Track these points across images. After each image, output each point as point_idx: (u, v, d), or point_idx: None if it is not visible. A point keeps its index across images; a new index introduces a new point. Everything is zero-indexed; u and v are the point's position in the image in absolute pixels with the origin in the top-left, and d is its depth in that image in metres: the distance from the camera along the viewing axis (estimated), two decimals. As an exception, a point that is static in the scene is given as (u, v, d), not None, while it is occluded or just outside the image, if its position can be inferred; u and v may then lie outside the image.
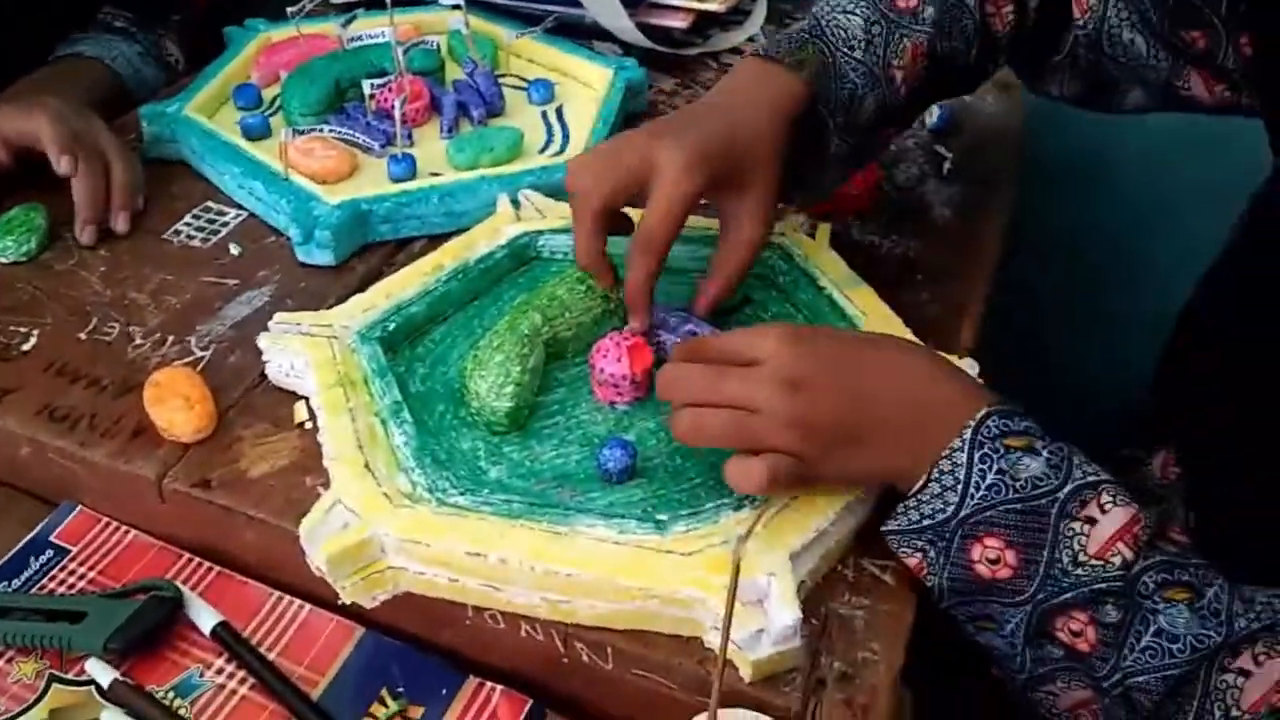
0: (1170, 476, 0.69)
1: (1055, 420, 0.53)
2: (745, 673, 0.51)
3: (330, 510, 0.54)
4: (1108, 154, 1.11)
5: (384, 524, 0.53)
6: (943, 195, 0.86)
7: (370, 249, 0.77)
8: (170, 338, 0.69)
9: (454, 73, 0.93)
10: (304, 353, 0.63)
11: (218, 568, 0.61)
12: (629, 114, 0.91)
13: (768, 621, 0.50)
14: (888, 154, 0.88)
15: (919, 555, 0.52)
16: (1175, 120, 0.75)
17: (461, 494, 0.56)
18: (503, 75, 0.93)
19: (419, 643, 0.57)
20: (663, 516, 0.55)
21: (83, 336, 0.69)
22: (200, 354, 0.67)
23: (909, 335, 0.65)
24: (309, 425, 0.62)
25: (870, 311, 0.67)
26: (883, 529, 0.54)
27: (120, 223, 0.77)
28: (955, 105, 0.94)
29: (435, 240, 0.76)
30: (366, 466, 0.56)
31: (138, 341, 0.68)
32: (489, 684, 0.56)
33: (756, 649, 0.50)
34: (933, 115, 0.93)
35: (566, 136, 0.86)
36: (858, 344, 0.56)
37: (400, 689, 0.56)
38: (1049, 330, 1.28)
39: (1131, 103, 0.74)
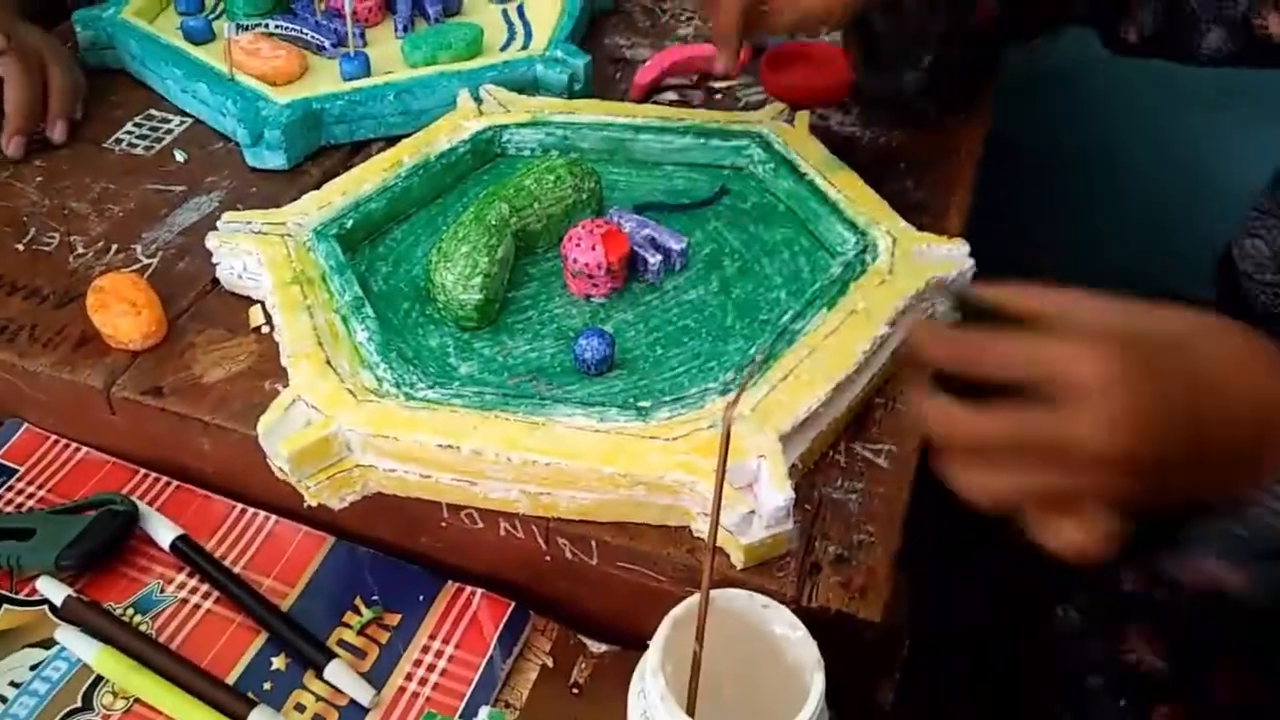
0: None
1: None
2: (737, 558, 0.48)
3: (290, 407, 0.51)
4: (1088, 57, 1.09)
5: (349, 419, 0.50)
6: (922, 87, 0.82)
7: (325, 152, 0.73)
8: (114, 246, 0.64)
9: (408, -28, 0.88)
10: (256, 251, 0.59)
11: (176, 482, 0.58)
12: (594, 13, 0.87)
13: (758, 504, 0.47)
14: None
15: (1243, 573, 0.42)
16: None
17: (430, 388, 0.52)
18: (460, -27, 0.88)
19: (395, 551, 0.54)
20: (645, 404, 0.52)
21: (20, 247, 0.64)
22: (147, 261, 0.63)
23: (895, 216, 0.62)
24: (265, 329, 0.59)
25: (855, 196, 0.64)
26: (1181, 537, 0.43)
27: (58, 132, 0.72)
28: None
29: (393, 142, 0.71)
30: (328, 363, 0.53)
31: (79, 250, 0.64)
32: (469, 588, 0.53)
33: (748, 532, 0.47)
34: None
35: (529, 34, 0.81)
36: (1189, 339, 0.41)
37: (375, 597, 0.53)
38: (1034, 242, 1.26)
39: (1210, 46, 0.71)
